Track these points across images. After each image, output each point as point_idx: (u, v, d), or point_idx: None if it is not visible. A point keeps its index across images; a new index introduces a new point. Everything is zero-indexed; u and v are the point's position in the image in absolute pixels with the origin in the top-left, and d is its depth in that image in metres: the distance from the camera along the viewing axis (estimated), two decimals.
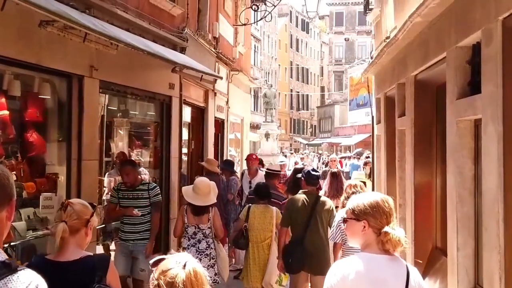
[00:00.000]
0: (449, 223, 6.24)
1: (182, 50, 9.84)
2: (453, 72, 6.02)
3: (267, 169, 9.50)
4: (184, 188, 7.21)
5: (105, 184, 8.19)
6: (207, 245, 6.90)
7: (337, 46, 71.41)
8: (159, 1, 8.96)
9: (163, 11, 9.31)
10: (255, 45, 55.10)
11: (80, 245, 3.53)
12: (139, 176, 7.58)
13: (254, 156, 11.28)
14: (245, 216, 7.52)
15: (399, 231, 2.92)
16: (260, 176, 10.42)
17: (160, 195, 7.47)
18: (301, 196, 7.11)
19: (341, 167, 19.19)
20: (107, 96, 8.40)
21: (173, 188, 9.83)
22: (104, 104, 8.74)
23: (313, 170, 7.56)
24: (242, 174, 11.10)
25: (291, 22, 70.25)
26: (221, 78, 11.76)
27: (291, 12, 69.75)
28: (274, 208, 7.54)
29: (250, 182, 10.58)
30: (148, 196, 7.22)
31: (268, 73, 60.83)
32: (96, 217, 3.67)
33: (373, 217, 2.94)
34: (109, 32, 5.87)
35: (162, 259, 2.31)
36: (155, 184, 7.65)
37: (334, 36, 71.19)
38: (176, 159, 9.99)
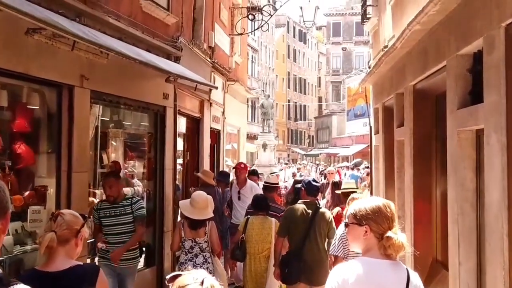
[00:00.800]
0: (450, 237, 6.09)
1: (177, 60, 9.67)
2: (454, 81, 5.89)
3: (265, 182, 9.41)
4: (181, 202, 7.15)
5: (98, 196, 7.97)
6: (204, 260, 6.83)
7: (335, 56, 71.61)
8: (152, 9, 8.79)
9: (157, 20, 9.14)
10: (252, 56, 55.22)
11: (70, 255, 3.51)
12: (123, 190, 7.21)
13: (242, 165, 10.88)
14: (243, 227, 7.46)
15: (401, 235, 2.91)
16: (249, 186, 10.23)
17: (144, 209, 7.00)
18: (300, 206, 7.05)
19: (340, 177, 19.19)
20: (101, 107, 8.24)
21: (167, 200, 9.63)
22: (98, 115, 8.60)
23: (314, 180, 7.52)
24: (231, 184, 10.72)
25: (288, 32, 70.36)
26: (216, 88, 11.56)
27: (288, 22, 69.90)
28: (273, 219, 7.50)
29: (239, 192, 10.31)
30: (131, 211, 6.80)
31: (266, 83, 60.90)
32: (87, 229, 3.67)
33: (375, 222, 2.93)
34: (99, 40, 5.69)
35: (179, 275, 2.27)
36: (139, 198, 7.26)
37: (331, 47, 71.38)
38: (171, 171, 9.80)
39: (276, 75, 66.35)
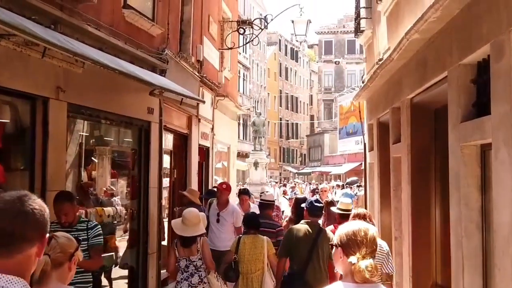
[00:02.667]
0: (453, 260, 5.73)
1: (162, 73, 9.24)
2: (456, 92, 5.54)
3: (261, 199, 9.15)
4: (173, 221, 7.10)
5: None
6: (199, 279, 6.80)
7: (327, 74, 71.86)
8: (136, 19, 8.35)
9: (141, 30, 8.71)
10: (244, 73, 55.28)
11: (62, 280, 3.40)
12: (79, 212, 6.35)
13: (224, 186, 9.70)
14: (235, 247, 7.29)
15: (365, 262, 2.88)
16: (231, 209, 9.39)
17: (101, 237, 5.95)
18: (302, 227, 6.88)
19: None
20: (80, 121, 7.79)
21: (152, 221, 9.17)
22: (77, 130, 8.14)
23: (316, 201, 7.33)
24: (210, 204, 9.69)
25: (280, 50, 70.55)
26: (203, 102, 11.10)
27: (280, 40, 70.13)
28: (265, 238, 7.33)
29: (218, 215, 9.39)
30: (86, 237, 5.76)
31: (257, 101, 60.90)
32: (80, 252, 3.59)
33: (347, 245, 2.96)
34: (74, 48, 5.24)
35: None
36: (96, 223, 6.18)
37: (323, 65, 71.68)
38: (156, 189, 9.34)
39: (268, 93, 66.43)
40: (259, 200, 9.52)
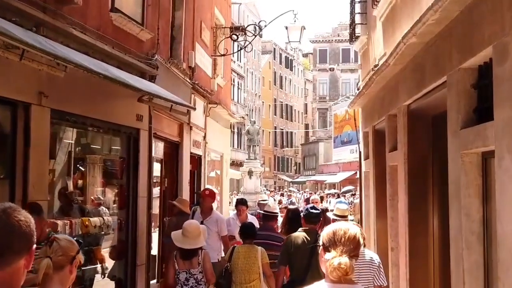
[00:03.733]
0: (453, 274, 5.48)
1: (152, 79, 8.97)
2: (456, 98, 5.30)
3: (265, 210, 8.84)
4: (173, 233, 6.95)
5: (60, 228, 7.16)
6: None
7: (321, 83, 71.87)
8: (124, 23, 8.09)
9: (130, 35, 8.45)
10: (238, 82, 55.23)
11: (64, 284, 3.39)
12: (46, 226, 6.01)
13: (207, 192, 9.25)
14: (229, 256, 7.29)
15: (339, 259, 2.92)
16: (215, 217, 8.99)
17: None
18: (300, 234, 6.87)
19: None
20: (71, 129, 7.53)
21: (140, 231, 8.90)
22: (72, 140, 7.91)
23: (313, 207, 7.40)
24: (193, 212, 9.21)
25: (274, 59, 70.55)
26: (194, 109, 10.83)
27: (274, 49, 70.15)
28: (259, 248, 7.29)
29: (201, 223, 8.64)
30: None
31: (252, 110, 60.85)
32: (82, 255, 3.54)
33: (327, 244, 3.04)
34: (52, 49, 4.98)
35: None
36: None
37: (318, 73, 71.70)
38: (145, 199, 9.06)
39: (263, 102, 66.39)
40: (262, 212, 9.24)
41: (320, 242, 3.13)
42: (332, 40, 69.28)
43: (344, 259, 2.92)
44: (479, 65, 5.01)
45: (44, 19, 6.09)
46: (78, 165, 8.19)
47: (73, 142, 7.91)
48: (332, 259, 2.93)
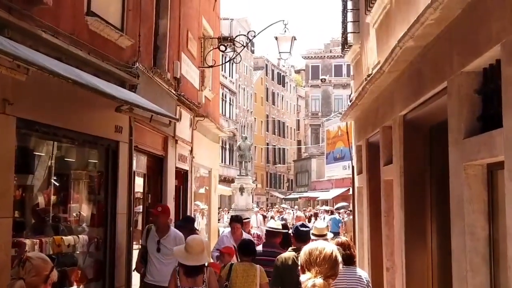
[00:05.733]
0: None
1: (132, 88, 8.47)
2: (458, 104, 4.91)
3: (268, 226, 8.47)
4: (175, 248, 6.73)
5: (28, 247, 6.62)
6: None
7: (314, 99, 71.87)
8: (101, 28, 7.58)
9: (108, 41, 7.94)
10: (230, 98, 55.08)
11: None
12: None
13: (159, 209, 8.28)
14: (227, 274, 7.04)
15: (314, 280, 2.91)
16: (173, 235, 8.21)
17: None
18: (290, 254, 6.72)
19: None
20: (42, 141, 7.01)
21: (119, 250, 8.37)
22: (52, 153, 7.44)
23: (302, 225, 7.28)
24: (148, 231, 8.24)
25: (267, 75, 70.63)
26: (177, 119, 10.31)
27: (266, 65, 70.32)
28: (258, 266, 7.08)
29: (158, 242, 8.14)
30: None
31: (244, 126, 60.69)
32: (56, 272, 3.55)
33: (304, 264, 3.05)
34: (12, 50, 4.47)
35: None
36: None
37: (310, 89, 71.72)
38: (124, 216, 8.55)
39: (255, 118, 66.36)
40: (266, 228, 8.86)
41: (299, 262, 3.12)
42: (324, 56, 69.40)
43: (319, 281, 2.91)
44: (484, 68, 4.61)
45: (9, 20, 5.58)
46: (51, 180, 7.64)
47: (44, 154, 7.37)
48: (307, 281, 2.93)
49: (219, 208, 28.42)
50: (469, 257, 4.70)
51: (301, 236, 6.91)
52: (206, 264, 6.57)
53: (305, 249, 3.10)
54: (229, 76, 55.35)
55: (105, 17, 7.75)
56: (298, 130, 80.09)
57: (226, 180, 45.86)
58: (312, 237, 7.30)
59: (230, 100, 55.94)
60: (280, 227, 8.47)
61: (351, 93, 11.84)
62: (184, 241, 7.91)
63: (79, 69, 6.67)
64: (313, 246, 3.10)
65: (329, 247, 3.09)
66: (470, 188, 4.73)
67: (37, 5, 6.10)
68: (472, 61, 4.50)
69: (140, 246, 8.72)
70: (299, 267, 3.09)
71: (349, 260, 5.83)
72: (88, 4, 7.37)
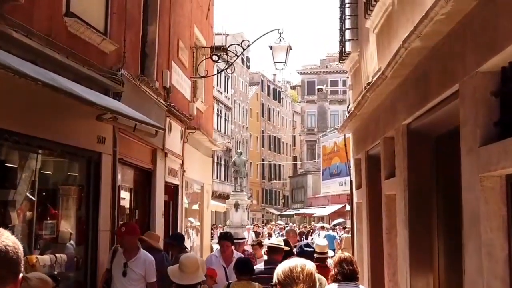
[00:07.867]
0: None
1: (116, 96, 7.95)
2: (472, 108, 4.41)
3: (270, 243, 8.17)
4: (169, 268, 6.50)
5: None
6: None
7: (309, 115, 71.97)
8: (82, 30, 7.05)
9: (89, 45, 7.42)
10: (225, 113, 54.85)
11: None
12: None
13: (123, 229, 7.46)
14: None
15: None
16: (143, 257, 7.42)
17: None
18: None
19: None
20: (15, 152, 6.49)
21: (101, 270, 7.79)
22: (25, 166, 6.93)
23: (306, 245, 7.37)
24: (114, 252, 7.51)
25: (262, 91, 70.64)
26: (164, 129, 9.78)
27: (262, 81, 70.34)
28: (257, 284, 6.88)
29: (125, 265, 7.32)
30: None
31: (239, 141, 60.51)
32: None
33: (284, 283, 3.01)
34: None
35: None
36: None
37: (306, 105, 71.76)
38: (107, 233, 8.01)
39: (250, 134, 66.25)
40: (267, 244, 8.45)
41: (274, 281, 3.09)
42: (320, 71, 69.50)
43: None
44: (502, 67, 4.09)
45: None
46: (26, 195, 7.07)
47: (18, 167, 6.80)
48: None
49: (213, 225, 28.03)
50: (487, 281, 4.19)
51: (305, 256, 6.51)
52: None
53: (284, 266, 3.08)
54: (225, 91, 55.20)
55: (87, 19, 7.24)
56: (294, 146, 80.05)
57: (221, 196, 45.49)
58: (315, 255, 7.21)
59: (225, 116, 55.80)
60: (282, 243, 8.07)
61: (349, 104, 11.40)
62: (154, 265, 7.40)
63: (57, 73, 6.15)
64: (292, 263, 3.09)
65: (309, 263, 3.11)
66: (487, 202, 4.22)
67: (7, 2, 5.59)
68: (489, 59, 4.00)
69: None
70: (273, 285, 3.08)
71: (352, 275, 5.64)
72: (67, 4, 6.85)
